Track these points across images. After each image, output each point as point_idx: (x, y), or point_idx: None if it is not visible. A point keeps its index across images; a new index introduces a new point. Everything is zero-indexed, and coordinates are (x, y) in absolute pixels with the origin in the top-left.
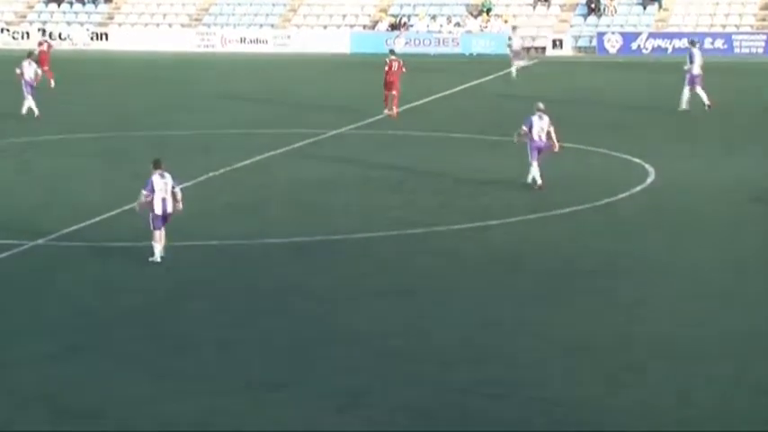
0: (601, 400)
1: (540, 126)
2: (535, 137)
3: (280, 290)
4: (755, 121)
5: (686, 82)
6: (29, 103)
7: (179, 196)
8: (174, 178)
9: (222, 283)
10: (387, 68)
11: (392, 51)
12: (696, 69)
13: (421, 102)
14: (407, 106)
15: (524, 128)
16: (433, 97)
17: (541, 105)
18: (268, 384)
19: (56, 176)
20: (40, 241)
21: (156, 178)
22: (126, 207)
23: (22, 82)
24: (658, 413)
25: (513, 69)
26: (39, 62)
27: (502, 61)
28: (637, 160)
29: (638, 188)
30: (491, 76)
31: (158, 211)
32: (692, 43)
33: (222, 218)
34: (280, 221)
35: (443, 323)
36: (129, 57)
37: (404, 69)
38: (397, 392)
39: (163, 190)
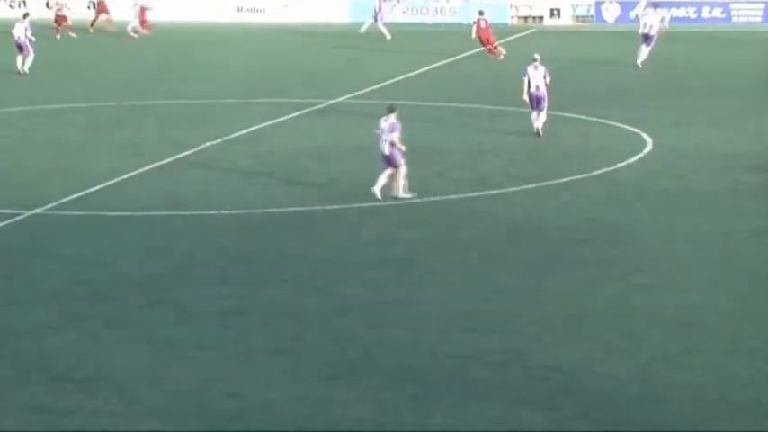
0: (599, 366)
1: (537, 76)
2: (532, 87)
3: (278, 259)
4: (753, 91)
5: (648, 43)
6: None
7: (394, 142)
8: (392, 128)
9: (221, 252)
10: (476, 27)
11: (481, 12)
12: (648, 29)
13: (419, 71)
14: (404, 77)
15: (524, 79)
16: (430, 67)
17: (537, 56)
18: (267, 352)
19: (53, 146)
20: (37, 210)
21: (382, 120)
22: (124, 176)
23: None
24: (655, 380)
25: None
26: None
27: (500, 30)
28: (634, 130)
29: (636, 158)
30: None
31: (380, 150)
32: (654, 6)
33: (220, 188)
34: (277, 191)
35: (442, 292)
36: (125, 26)
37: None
38: (395, 361)
39: (385, 132)
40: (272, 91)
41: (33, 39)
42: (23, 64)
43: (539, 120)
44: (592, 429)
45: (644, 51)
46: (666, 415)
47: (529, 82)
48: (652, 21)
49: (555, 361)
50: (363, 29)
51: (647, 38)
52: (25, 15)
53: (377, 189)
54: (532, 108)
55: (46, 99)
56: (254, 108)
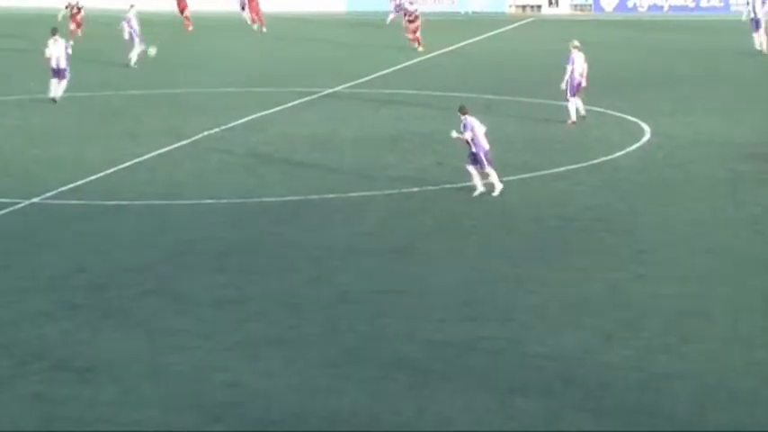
0: (596, 355)
1: (580, 63)
2: (576, 73)
3: (276, 249)
4: (751, 80)
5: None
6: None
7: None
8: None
9: (218, 241)
10: (413, 18)
11: (411, 2)
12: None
13: (416, 60)
14: (402, 65)
15: (568, 66)
16: (428, 56)
17: (577, 42)
18: (264, 341)
19: (51, 135)
20: (35, 199)
21: (472, 119)
22: (122, 165)
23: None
24: (653, 368)
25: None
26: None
27: (498, 19)
28: (632, 119)
29: (634, 146)
30: (487, 35)
31: (487, 146)
32: None
33: (217, 177)
34: (275, 180)
35: (439, 281)
36: (121, 15)
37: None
38: (392, 349)
39: (481, 130)
40: (270, 80)
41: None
42: (132, 56)
43: (581, 105)
44: (589, 418)
45: (757, 37)
46: (664, 404)
47: (573, 69)
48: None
49: (552, 349)
50: (389, 19)
51: (757, 24)
52: (131, 6)
53: (498, 188)
54: (572, 95)
55: (43, 88)
56: (253, 97)
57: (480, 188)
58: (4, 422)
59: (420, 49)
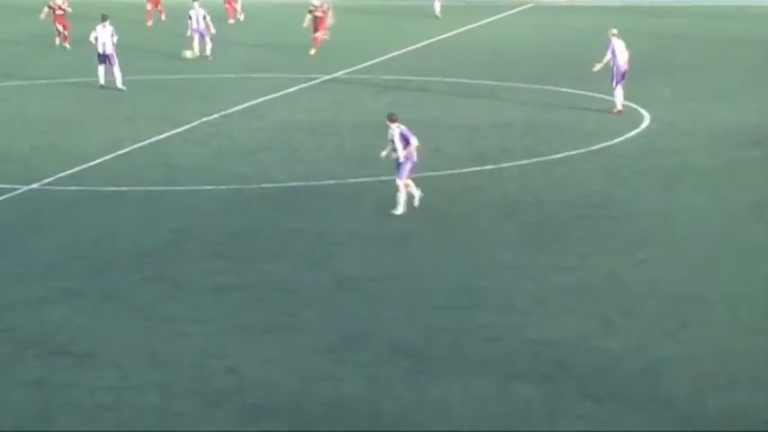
0: (595, 341)
1: (623, 50)
2: (621, 62)
3: (274, 235)
4: (751, 66)
5: None
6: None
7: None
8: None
9: (217, 227)
10: (322, 14)
11: None
12: None
13: (414, 47)
14: (401, 51)
15: (608, 53)
16: (426, 42)
17: (615, 31)
18: (262, 327)
19: (49, 121)
20: (34, 185)
21: (407, 129)
22: (120, 152)
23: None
24: (652, 354)
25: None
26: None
27: (496, 6)
28: (632, 105)
29: (634, 132)
30: (486, 21)
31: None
32: None
33: (216, 163)
34: (273, 166)
35: (438, 268)
36: (122, 2)
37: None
38: (390, 336)
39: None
40: (269, 66)
41: (212, 29)
42: (204, 50)
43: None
44: (587, 404)
45: None
46: (663, 389)
47: (614, 57)
48: None
49: (551, 335)
50: (438, 11)
51: None
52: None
53: (417, 196)
54: (617, 83)
55: (42, 74)
56: (251, 83)
57: (418, 193)
58: (3, 407)
59: (312, 51)
